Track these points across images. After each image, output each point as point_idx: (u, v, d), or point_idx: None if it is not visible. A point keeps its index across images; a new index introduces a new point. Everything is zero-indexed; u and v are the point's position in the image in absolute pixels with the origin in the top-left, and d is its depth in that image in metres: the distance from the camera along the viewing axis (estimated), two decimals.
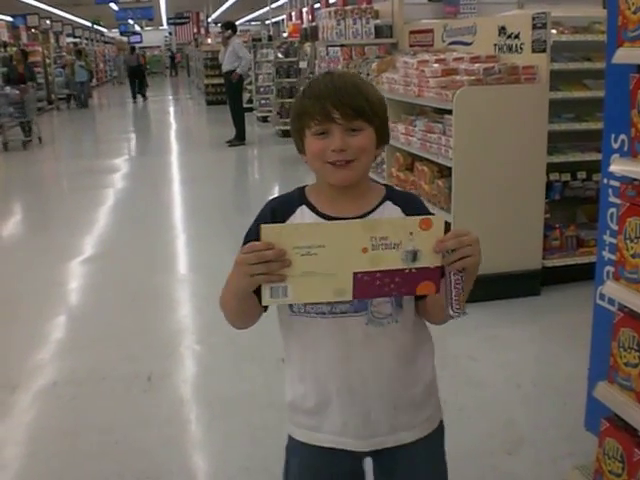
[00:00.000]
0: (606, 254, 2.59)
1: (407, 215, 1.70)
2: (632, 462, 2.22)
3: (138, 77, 26.19)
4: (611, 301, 2.52)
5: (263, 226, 1.50)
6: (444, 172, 4.97)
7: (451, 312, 1.56)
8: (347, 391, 1.71)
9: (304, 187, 1.78)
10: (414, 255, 1.51)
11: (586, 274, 4.86)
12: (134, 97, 25.84)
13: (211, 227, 7.38)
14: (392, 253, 1.50)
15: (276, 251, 1.47)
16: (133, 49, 29.34)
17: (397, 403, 1.74)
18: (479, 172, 4.66)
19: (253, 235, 1.62)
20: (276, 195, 1.83)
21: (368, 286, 1.53)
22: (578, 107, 5.07)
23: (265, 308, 1.68)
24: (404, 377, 1.75)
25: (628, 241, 2.18)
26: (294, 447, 1.83)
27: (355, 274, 1.51)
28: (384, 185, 1.80)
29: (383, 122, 1.70)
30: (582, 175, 5.12)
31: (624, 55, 2.12)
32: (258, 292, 1.55)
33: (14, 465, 3.19)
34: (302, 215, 1.71)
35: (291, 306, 1.70)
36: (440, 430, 1.85)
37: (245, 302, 1.63)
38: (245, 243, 1.64)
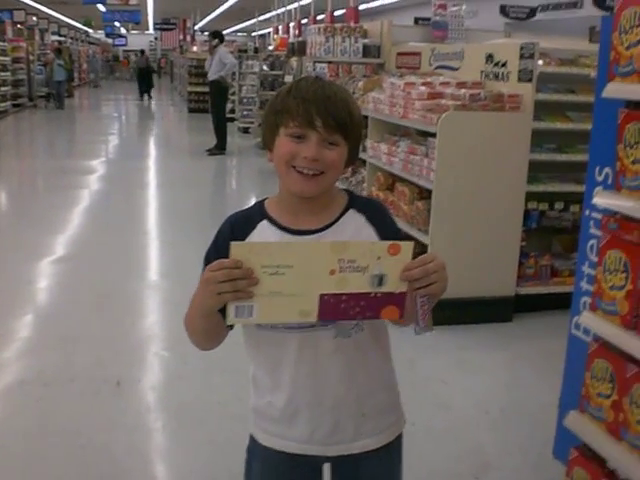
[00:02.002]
0: (584, 285, 2.61)
1: (372, 223, 1.70)
2: None
3: (146, 78, 27.87)
4: (586, 331, 2.55)
5: (233, 243, 1.47)
6: (424, 194, 5.00)
7: (417, 329, 1.56)
8: (316, 403, 1.70)
9: (264, 200, 1.74)
10: (380, 279, 1.50)
11: (558, 303, 4.95)
12: (141, 96, 27.36)
13: (186, 234, 7.33)
14: (359, 276, 1.49)
15: (244, 269, 1.44)
16: (142, 52, 31.33)
17: (365, 410, 1.74)
18: (459, 196, 4.69)
19: (213, 255, 1.63)
20: (237, 210, 1.78)
21: (333, 308, 1.51)
22: (559, 138, 5.14)
23: (231, 327, 1.66)
24: (371, 384, 1.75)
25: (607, 273, 2.21)
26: (257, 449, 1.81)
27: (321, 296, 1.50)
28: (345, 191, 1.76)
29: (357, 143, 1.67)
30: (560, 205, 5.17)
31: (614, 89, 2.15)
32: (223, 311, 1.52)
33: None
34: (262, 230, 1.67)
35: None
36: (400, 439, 1.85)
37: (210, 321, 1.60)
38: (206, 262, 1.65)
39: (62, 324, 4.78)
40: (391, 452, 1.81)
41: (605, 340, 2.25)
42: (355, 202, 1.72)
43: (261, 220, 1.69)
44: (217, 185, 11.44)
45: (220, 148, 12.86)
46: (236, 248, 1.47)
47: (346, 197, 1.73)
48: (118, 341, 4.51)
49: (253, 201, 6.78)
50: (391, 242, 1.50)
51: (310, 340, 1.66)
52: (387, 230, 1.70)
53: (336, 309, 1.52)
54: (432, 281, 1.49)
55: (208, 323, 1.61)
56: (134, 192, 9.59)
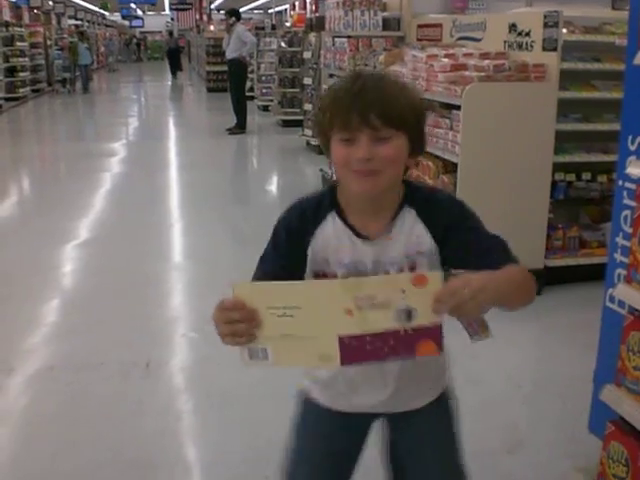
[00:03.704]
0: (618, 256, 2.56)
1: (421, 218, 1.63)
2: (637, 466, 2.20)
3: (175, 58, 30.46)
4: (621, 304, 2.50)
5: (234, 284, 1.41)
6: (448, 168, 4.94)
7: (472, 340, 1.53)
8: (371, 378, 1.72)
9: (335, 186, 1.70)
10: (408, 314, 1.36)
11: (588, 275, 4.91)
12: (173, 74, 29.79)
13: (208, 214, 7.35)
14: (382, 313, 1.36)
15: (245, 311, 1.40)
16: (171, 33, 34.45)
17: (414, 383, 1.75)
18: (485, 169, 4.64)
19: (281, 236, 1.67)
20: (299, 199, 1.74)
21: (358, 351, 1.39)
22: (584, 107, 5.05)
23: None
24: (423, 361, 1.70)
25: None
26: (309, 404, 1.84)
27: (341, 338, 1.39)
28: (405, 182, 1.69)
29: (416, 130, 1.58)
30: (587, 176, 5.10)
31: None
32: None
33: (8, 448, 3.16)
34: (333, 224, 1.66)
35: None
36: (448, 394, 1.87)
37: None
38: (271, 242, 1.70)
39: (89, 308, 4.80)
40: (441, 405, 1.84)
41: None
42: (410, 195, 1.67)
43: (331, 210, 1.66)
44: (238, 164, 11.43)
45: (240, 127, 12.83)
46: (238, 288, 1.41)
47: (403, 190, 1.68)
48: (145, 323, 4.52)
49: (275, 180, 6.85)
50: (415, 273, 1.42)
51: None
52: (436, 223, 1.63)
53: (361, 351, 1.40)
54: (469, 309, 1.38)
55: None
56: (156, 174, 9.60)
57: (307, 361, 1.47)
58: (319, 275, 1.68)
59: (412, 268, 1.63)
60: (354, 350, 1.39)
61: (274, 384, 3.54)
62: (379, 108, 1.51)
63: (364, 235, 1.64)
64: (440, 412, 1.86)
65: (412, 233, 1.64)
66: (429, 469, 1.85)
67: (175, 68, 30.39)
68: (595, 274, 4.80)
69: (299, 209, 1.71)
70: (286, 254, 1.69)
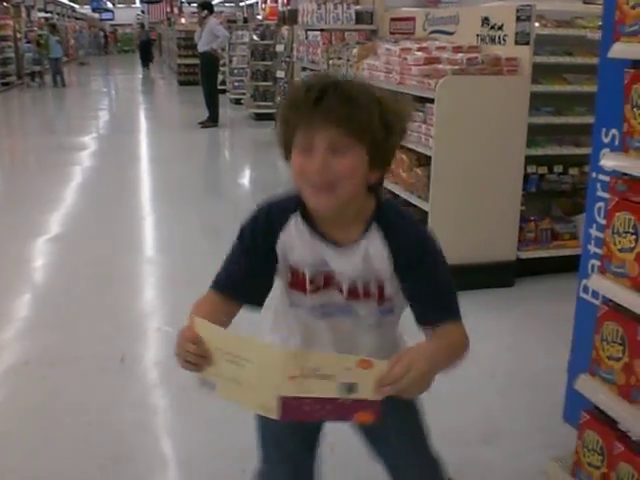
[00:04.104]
0: (592, 248, 2.59)
1: (386, 243, 1.62)
2: (612, 455, 2.24)
3: (147, 50, 31.40)
4: (595, 294, 2.53)
5: (198, 321, 1.49)
6: (422, 161, 4.96)
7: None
8: None
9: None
10: (350, 387, 1.42)
11: (560, 267, 4.96)
12: (145, 66, 30.73)
13: (180, 208, 7.31)
14: (325, 383, 1.42)
15: (198, 349, 1.47)
16: (143, 26, 35.56)
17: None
18: (458, 162, 4.66)
19: (247, 242, 1.69)
20: (271, 198, 1.75)
21: (296, 410, 1.46)
22: (556, 101, 5.09)
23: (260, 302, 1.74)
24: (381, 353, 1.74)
25: (616, 235, 2.19)
26: None
27: (281, 397, 1.45)
28: (376, 199, 1.67)
29: (379, 143, 1.51)
30: (559, 169, 5.15)
31: (620, 50, 2.12)
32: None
33: None
34: (296, 227, 1.65)
35: (290, 301, 1.74)
36: None
37: None
38: (239, 237, 1.72)
39: (62, 302, 4.76)
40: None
41: (615, 303, 2.24)
42: (379, 216, 1.64)
43: (294, 212, 1.65)
44: (211, 158, 11.37)
45: (212, 120, 12.77)
46: (200, 324, 1.49)
47: (373, 207, 1.65)
48: (119, 317, 4.49)
49: (248, 173, 6.80)
50: (361, 358, 1.43)
51: (331, 324, 1.73)
52: (400, 256, 1.63)
53: (299, 411, 1.46)
54: (409, 393, 1.46)
55: None
56: (128, 167, 9.53)
57: (249, 405, 1.52)
58: (293, 270, 1.70)
59: (367, 285, 1.66)
60: (293, 409, 1.45)
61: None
62: (338, 118, 1.45)
63: (329, 239, 1.64)
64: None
65: (374, 258, 1.63)
66: (399, 456, 1.90)
67: (147, 60, 31.11)
68: (567, 266, 4.86)
69: (265, 211, 1.70)
70: (252, 254, 1.70)
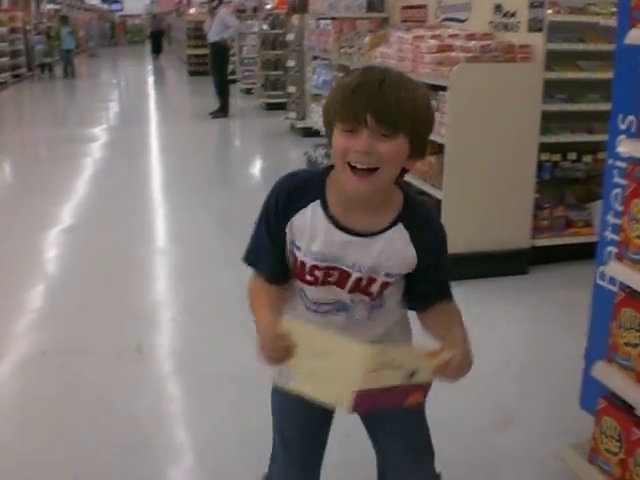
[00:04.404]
0: (608, 234, 2.58)
1: (413, 243, 1.68)
2: (630, 441, 2.24)
3: (158, 39, 32.40)
4: (612, 281, 2.53)
5: (286, 320, 1.60)
6: (435, 149, 4.94)
7: None
8: None
9: (328, 171, 1.71)
10: (412, 373, 1.54)
11: (574, 254, 4.95)
12: (155, 55, 31.56)
13: (192, 198, 7.33)
14: (394, 373, 1.52)
15: (285, 346, 1.54)
16: (155, 16, 35.81)
17: None
18: (472, 150, 4.65)
19: (270, 217, 1.72)
20: (296, 170, 1.81)
21: (366, 401, 1.54)
22: (569, 88, 5.08)
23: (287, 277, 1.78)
24: (390, 339, 1.84)
25: (633, 222, 2.18)
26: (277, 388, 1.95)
27: (356, 391, 1.51)
28: (404, 193, 1.70)
29: (420, 133, 1.57)
30: (572, 156, 5.14)
31: (637, 36, 2.11)
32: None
33: (2, 435, 3.14)
34: (313, 214, 1.67)
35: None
36: None
37: None
38: (262, 213, 1.75)
39: (76, 293, 4.79)
40: None
41: (632, 289, 2.24)
42: (407, 213, 1.68)
43: (315, 199, 1.68)
44: (222, 148, 11.38)
45: (223, 110, 12.77)
46: (286, 324, 1.58)
47: (401, 201, 1.69)
48: (134, 308, 4.52)
49: (259, 163, 6.80)
50: (431, 350, 1.56)
51: (327, 319, 1.78)
52: (429, 256, 1.71)
53: (369, 401, 1.55)
54: (459, 377, 1.61)
55: None
56: (139, 158, 9.55)
57: (322, 397, 1.59)
58: (295, 257, 1.73)
59: (372, 280, 1.70)
60: (364, 400, 1.53)
61: (266, 368, 3.57)
62: (388, 106, 1.49)
63: (345, 227, 1.66)
64: None
65: (396, 254, 1.68)
66: (396, 444, 1.94)
67: (157, 50, 31.79)
68: (581, 253, 4.87)
69: (287, 190, 1.72)
70: (275, 231, 1.73)
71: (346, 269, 1.68)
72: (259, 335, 1.62)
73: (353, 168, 1.54)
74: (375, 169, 1.53)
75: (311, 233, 1.67)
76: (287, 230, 1.70)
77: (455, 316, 1.75)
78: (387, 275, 1.69)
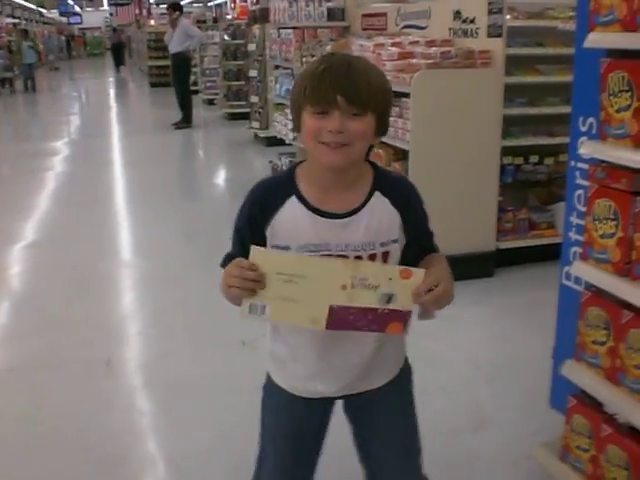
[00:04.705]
0: (572, 235, 2.63)
1: (397, 208, 1.75)
2: (600, 437, 2.28)
3: (119, 51, 32.49)
4: (577, 280, 2.58)
5: (253, 248, 1.61)
6: (400, 155, 4.99)
7: (419, 319, 1.69)
8: (334, 364, 1.82)
9: (295, 168, 1.78)
10: (389, 298, 1.60)
11: (538, 256, 5.02)
12: (118, 66, 31.75)
13: (157, 210, 7.29)
14: (369, 293, 1.59)
15: (256, 274, 1.59)
16: (115, 29, 35.84)
17: (375, 365, 1.85)
18: (435, 155, 4.70)
19: (244, 226, 1.76)
20: (263, 178, 1.83)
21: (341, 319, 1.62)
22: (529, 92, 5.15)
23: None
24: (382, 344, 1.84)
25: (597, 222, 2.22)
26: (273, 388, 1.93)
27: (331, 307, 1.61)
28: (372, 166, 1.79)
29: (384, 111, 1.70)
30: (534, 159, 5.21)
31: (596, 39, 2.15)
32: None
33: None
34: (292, 208, 1.72)
35: None
36: (405, 371, 1.98)
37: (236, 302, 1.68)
38: (236, 227, 1.78)
39: (42, 308, 4.73)
40: (399, 383, 1.94)
41: (598, 288, 2.28)
42: (380, 182, 1.77)
43: (290, 195, 1.73)
44: (185, 159, 11.31)
45: (186, 121, 12.74)
46: (256, 253, 1.61)
47: (372, 174, 1.78)
48: (101, 321, 4.48)
49: (224, 173, 6.79)
50: (403, 268, 1.61)
51: None
52: (411, 215, 1.78)
53: (344, 320, 1.62)
54: (440, 303, 1.63)
55: (233, 302, 1.70)
56: (102, 171, 9.46)
57: (298, 321, 1.66)
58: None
59: (373, 256, 1.73)
60: (339, 318, 1.62)
61: (234, 376, 3.58)
62: (358, 88, 1.60)
63: (327, 212, 1.71)
64: (397, 389, 1.94)
65: (383, 221, 1.74)
66: (385, 448, 1.94)
67: (119, 62, 31.97)
68: (545, 255, 4.95)
69: (258, 197, 1.77)
70: (248, 237, 1.75)
71: (341, 253, 1.71)
72: (226, 273, 1.64)
73: (327, 145, 1.63)
74: (348, 144, 1.63)
75: (296, 228, 1.71)
76: (268, 235, 1.74)
77: (439, 257, 1.80)
78: (382, 245, 1.74)
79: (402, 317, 1.63)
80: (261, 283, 1.59)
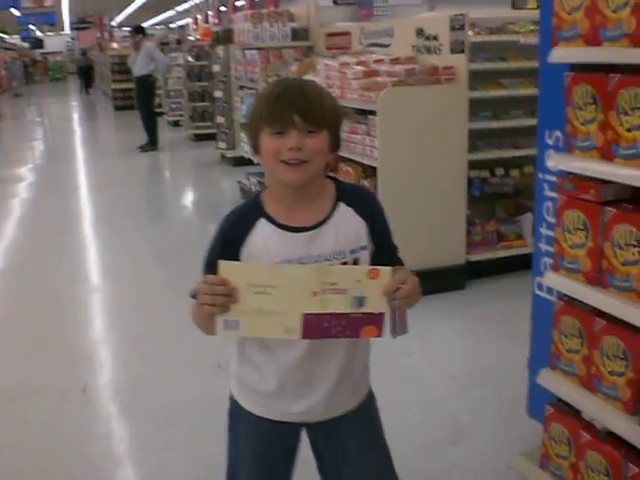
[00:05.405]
0: (543, 246, 2.68)
1: (361, 216, 1.81)
2: (579, 444, 2.31)
3: (87, 75, 32.08)
4: (550, 290, 2.62)
5: (221, 263, 1.63)
6: (368, 172, 5.03)
7: (394, 334, 1.73)
8: (303, 383, 1.84)
9: (259, 194, 1.83)
10: (360, 301, 1.63)
11: (508, 267, 5.09)
12: (86, 90, 31.56)
13: (125, 234, 7.24)
14: (340, 298, 1.62)
15: (227, 289, 1.62)
16: (84, 52, 35.08)
17: (342, 386, 1.87)
18: (404, 171, 4.75)
19: (214, 254, 1.76)
20: (234, 208, 1.86)
21: (316, 327, 1.64)
22: (493, 105, 5.24)
23: None
24: (350, 364, 1.87)
25: (567, 233, 2.27)
26: (241, 413, 1.93)
27: (305, 315, 1.63)
28: (332, 180, 1.86)
29: (336, 128, 1.78)
30: (500, 171, 5.29)
31: (559, 54, 2.21)
32: None
33: None
34: (262, 229, 1.77)
35: None
36: (371, 396, 2.00)
37: (209, 323, 1.70)
38: (207, 261, 1.79)
39: (14, 336, 4.68)
40: (366, 409, 1.97)
41: (570, 297, 2.33)
42: (343, 193, 1.84)
43: (258, 218, 1.78)
44: (153, 182, 11.26)
45: (152, 144, 12.69)
46: (224, 266, 1.63)
47: (334, 187, 1.84)
48: (74, 348, 4.45)
49: (192, 195, 6.81)
50: (370, 267, 1.66)
51: None
52: (375, 222, 1.84)
53: (318, 328, 1.65)
54: (411, 298, 1.67)
55: (207, 325, 1.72)
56: (68, 197, 9.36)
57: (273, 332, 1.67)
58: None
59: (344, 264, 1.77)
60: (313, 326, 1.64)
61: (212, 400, 3.54)
62: (312, 107, 1.69)
63: (296, 227, 1.76)
64: (366, 415, 1.97)
65: (350, 229, 1.80)
66: (358, 474, 1.93)
67: (87, 85, 31.84)
68: (515, 265, 5.02)
69: (229, 224, 1.82)
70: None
71: (314, 264, 1.75)
72: (197, 292, 1.66)
73: (287, 163, 1.70)
74: (306, 161, 1.70)
75: (268, 248, 1.75)
76: (242, 258, 1.77)
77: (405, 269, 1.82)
78: (352, 252, 1.79)
79: (375, 320, 1.65)
80: (232, 297, 1.61)
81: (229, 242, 1.78)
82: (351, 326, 1.65)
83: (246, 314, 1.63)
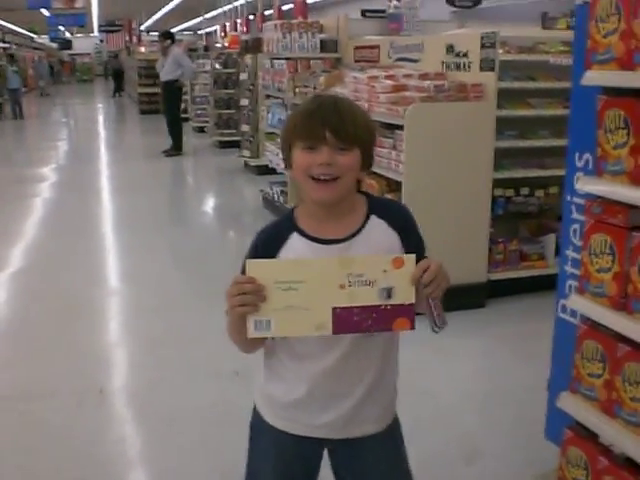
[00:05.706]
0: (569, 268, 2.67)
1: (394, 229, 1.81)
2: (596, 469, 2.29)
3: (119, 77, 31.63)
4: (573, 313, 2.60)
5: (248, 261, 1.65)
6: (393, 186, 5.03)
7: (436, 329, 1.70)
8: (331, 395, 1.83)
9: (293, 210, 1.84)
10: (389, 292, 1.62)
11: (529, 287, 5.07)
12: (117, 92, 31.17)
13: (145, 238, 7.27)
14: (368, 290, 1.62)
15: (254, 285, 1.61)
16: (116, 55, 34.42)
17: (369, 401, 1.85)
18: (428, 186, 4.74)
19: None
20: (268, 224, 1.88)
21: (347, 321, 1.63)
22: (520, 125, 5.22)
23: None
24: (380, 380, 1.86)
25: (593, 256, 2.26)
26: (263, 426, 1.93)
27: (334, 309, 1.62)
28: (364, 194, 1.86)
29: (369, 147, 1.79)
30: (525, 191, 5.27)
31: (593, 77, 2.20)
32: None
33: None
34: (294, 242, 1.78)
35: None
36: (397, 421, 1.99)
37: (242, 334, 1.68)
38: (243, 270, 1.75)
39: (31, 337, 4.71)
40: (391, 433, 1.95)
41: (594, 321, 2.31)
42: (375, 207, 1.84)
43: (291, 232, 1.79)
44: (175, 186, 11.33)
45: (176, 149, 12.77)
46: (251, 265, 1.64)
47: (365, 201, 1.84)
48: (92, 350, 4.47)
49: (214, 201, 6.86)
50: (394, 255, 1.65)
51: (333, 339, 1.75)
52: (409, 235, 1.85)
53: (350, 322, 1.64)
54: (440, 282, 1.65)
55: (240, 335, 1.70)
56: (91, 198, 9.43)
57: (304, 330, 1.66)
58: None
59: None
60: (344, 320, 1.63)
61: (228, 407, 3.57)
62: (344, 124, 1.70)
63: (328, 240, 1.77)
64: (390, 440, 1.95)
65: (385, 241, 1.80)
66: None
67: (119, 88, 31.45)
68: (536, 286, 4.99)
69: (261, 241, 1.83)
70: None
71: None
72: (227, 295, 1.65)
73: (317, 180, 1.71)
74: (336, 178, 1.71)
75: (303, 257, 1.76)
76: None
77: None
78: None
79: (406, 312, 1.64)
80: (261, 296, 1.62)
81: (261, 257, 1.77)
82: (382, 319, 1.64)
83: (276, 312, 1.63)
